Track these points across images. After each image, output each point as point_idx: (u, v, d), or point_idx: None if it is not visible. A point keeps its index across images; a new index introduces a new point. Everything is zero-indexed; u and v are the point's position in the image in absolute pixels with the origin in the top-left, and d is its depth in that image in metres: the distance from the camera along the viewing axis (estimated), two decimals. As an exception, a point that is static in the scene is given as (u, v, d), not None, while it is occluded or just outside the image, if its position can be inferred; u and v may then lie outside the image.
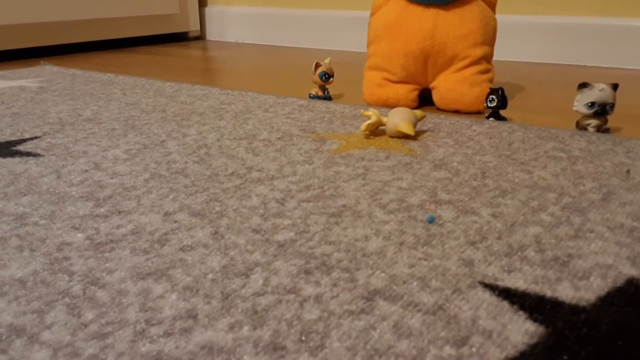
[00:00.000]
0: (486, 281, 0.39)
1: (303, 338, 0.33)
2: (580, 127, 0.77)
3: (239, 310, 0.36)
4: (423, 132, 0.77)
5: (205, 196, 0.54)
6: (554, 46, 1.40)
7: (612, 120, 0.86)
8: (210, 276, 0.40)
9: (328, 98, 0.99)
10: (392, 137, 0.74)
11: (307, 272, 0.41)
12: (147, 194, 0.55)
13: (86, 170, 0.62)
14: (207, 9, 2.00)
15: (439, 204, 0.52)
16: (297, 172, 0.61)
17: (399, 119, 0.72)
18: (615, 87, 0.74)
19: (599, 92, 0.73)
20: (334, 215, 0.50)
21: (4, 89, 1.06)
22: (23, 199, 0.54)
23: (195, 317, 0.35)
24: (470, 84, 0.89)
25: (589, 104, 0.74)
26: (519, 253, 0.43)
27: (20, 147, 0.70)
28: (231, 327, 0.34)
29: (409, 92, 0.93)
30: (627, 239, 0.46)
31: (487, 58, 0.91)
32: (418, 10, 0.90)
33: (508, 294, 0.38)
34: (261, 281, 0.39)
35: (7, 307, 0.37)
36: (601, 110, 0.74)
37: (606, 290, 0.38)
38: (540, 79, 1.21)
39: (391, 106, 0.93)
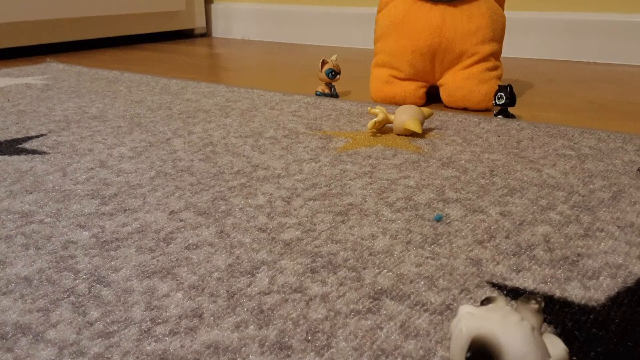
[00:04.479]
0: (494, 281, 0.39)
1: (309, 337, 0.33)
2: None
3: (245, 309, 0.36)
4: (430, 129, 0.76)
5: (210, 194, 0.54)
6: (563, 43, 1.39)
7: (621, 117, 0.85)
8: (215, 275, 0.40)
9: (335, 95, 0.98)
10: (399, 135, 0.74)
11: (314, 271, 0.40)
12: (152, 192, 0.55)
13: (92, 168, 0.62)
14: (212, 6, 2.00)
15: (446, 203, 0.52)
16: (304, 170, 0.61)
17: (406, 117, 0.72)
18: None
19: None
20: (341, 213, 0.50)
21: (10, 87, 1.06)
22: (29, 197, 0.54)
23: (200, 316, 0.35)
24: (478, 81, 0.89)
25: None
26: (528, 252, 0.43)
27: (26, 145, 0.70)
28: (237, 326, 0.34)
29: (416, 89, 0.92)
30: (637, 238, 0.45)
31: (496, 55, 0.91)
32: (426, 6, 0.89)
33: (517, 294, 0.37)
34: (267, 280, 0.39)
35: (13, 305, 0.37)
36: None
37: (616, 290, 0.38)
38: (549, 75, 1.20)
39: (398, 104, 0.93)
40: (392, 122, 0.74)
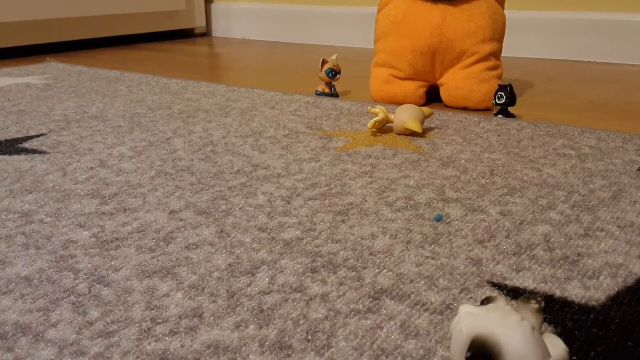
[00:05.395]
0: (494, 280, 0.39)
1: (309, 337, 0.33)
2: None
3: (245, 309, 0.36)
4: (430, 129, 0.76)
5: (210, 194, 0.54)
6: (564, 42, 1.39)
7: (621, 117, 0.85)
8: (215, 274, 0.40)
9: (335, 95, 0.98)
10: (399, 134, 0.74)
11: (314, 270, 0.40)
12: (152, 191, 0.55)
13: (92, 168, 0.62)
14: (212, 5, 2.00)
15: (446, 202, 0.52)
16: (304, 169, 0.61)
17: (407, 116, 0.72)
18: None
19: None
20: (341, 213, 0.50)
21: (10, 86, 1.06)
22: (29, 197, 0.54)
23: (200, 316, 0.35)
24: (478, 80, 0.89)
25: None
26: (528, 252, 0.43)
27: (26, 145, 0.70)
28: (237, 326, 0.34)
29: (416, 88, 0.92)
30: (637, 238, 0.45)
31: (496, 54, 0.90)
32: (426, 6, 0.89)
33: (517, 293, 0.37)
34: (267, 280, 0.39)
35: (13, 305, 0.37)
36: None
37: (616, 289, 0.38)
38: (549, 75, 1.20)
39: (398, 103, 0.93)
40: (392, 122, 0.74)
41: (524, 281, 0.39)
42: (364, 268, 0.40)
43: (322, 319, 0.35)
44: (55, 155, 0.66)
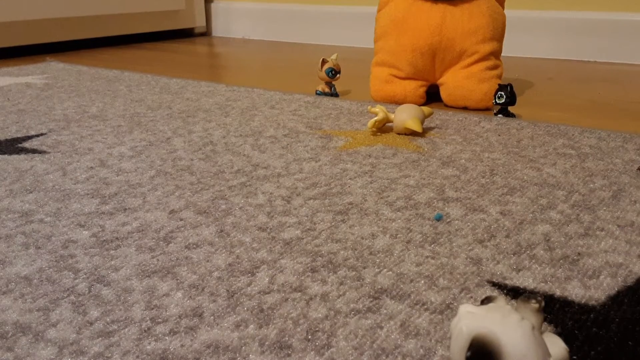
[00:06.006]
0: (494, 280, 0.39)
1: (309, 337, 0.33)
2: None
3: (245, 309, 0.36)
4: (431, 129, 0.76)
5: (210, 194, 0.54)
6: (564, 42, 1.39)
7: (621, 116, 0.85)
8: (215, 274, 0.40)
9: (335, 95, 0.98)
10: (399, 134, 0.74)
11: (314, 270, 0.40)
12: (152, 191, 0.55)
13: (92, 168, 0.62)
14: (212, 5, 2.00)
15: (446, 202, 0.52)
16: (304, 169, 0.61)
17: (407, 116, 0.72)
18: None
19: None
20: (341, 213, 0.50)
21: (10, 86, 1.06)
22: (29, 196, 0.54)
23: (200, 316, 0.35)
24: (478, 80, 0.89)
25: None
26: (528, 251, 0.43)
27: (26, 144, 0.70)
28: (237, 326, 0.34)
29: (416, 88, 0.92)
30: (637, 237, 0.45)
31: (496, 54, 0.90)
32: (426, 5, 0.89)
33: (517, 293, 0.37)
34: (267, 279, 0.39)
35: (13, 305, 0.37)
36: None
37: (616, 289, 0.38)
38: (550, 74, 1.20)
39: (398, 103, 0.93)
40: (392, 121, 0.74)
41: (524, 281, 0.39)
42: (364, 268, 0.40)
43: (322, 318, 0.35)
44: (55, 155, 0.66)
